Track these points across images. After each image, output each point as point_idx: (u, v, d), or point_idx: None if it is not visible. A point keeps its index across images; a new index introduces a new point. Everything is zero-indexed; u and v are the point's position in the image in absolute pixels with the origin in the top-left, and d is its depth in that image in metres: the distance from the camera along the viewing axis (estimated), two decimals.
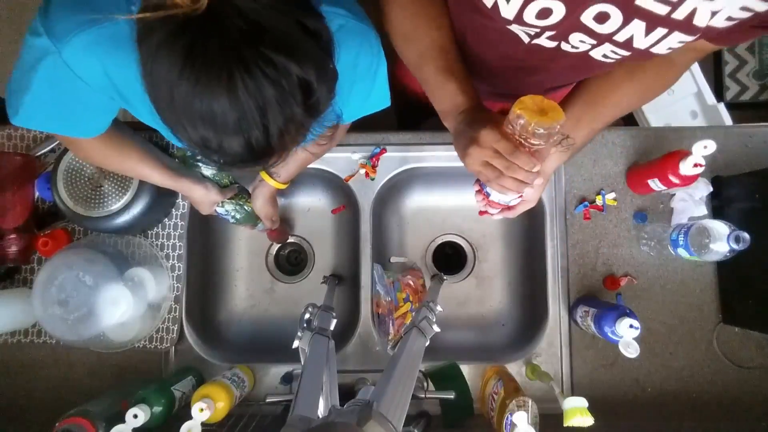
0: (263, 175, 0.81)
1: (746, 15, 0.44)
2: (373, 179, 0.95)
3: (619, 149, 0.93)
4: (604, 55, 0.56)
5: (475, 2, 0.54)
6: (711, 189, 0.88)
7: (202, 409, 0.73)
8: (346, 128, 0.81)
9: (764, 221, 0.80)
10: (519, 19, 0.51)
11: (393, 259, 1.06)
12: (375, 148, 0.95)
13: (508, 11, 0.51)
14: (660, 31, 0.48)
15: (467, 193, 1.05)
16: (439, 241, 1.08)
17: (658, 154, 0.92)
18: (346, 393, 0.85)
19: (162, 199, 0.88)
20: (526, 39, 0.57)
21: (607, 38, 0.52)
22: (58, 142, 0.92)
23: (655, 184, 0.83)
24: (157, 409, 0.77)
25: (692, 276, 0.90)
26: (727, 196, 0.89)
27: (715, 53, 1.84)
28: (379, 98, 0.68)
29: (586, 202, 0.92)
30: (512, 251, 1.06)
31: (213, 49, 0.36)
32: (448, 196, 1.07)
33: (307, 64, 0.40)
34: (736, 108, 1.61)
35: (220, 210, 0.85)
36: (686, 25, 0.47)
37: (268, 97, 0.38)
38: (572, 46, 0.55)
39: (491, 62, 0.71)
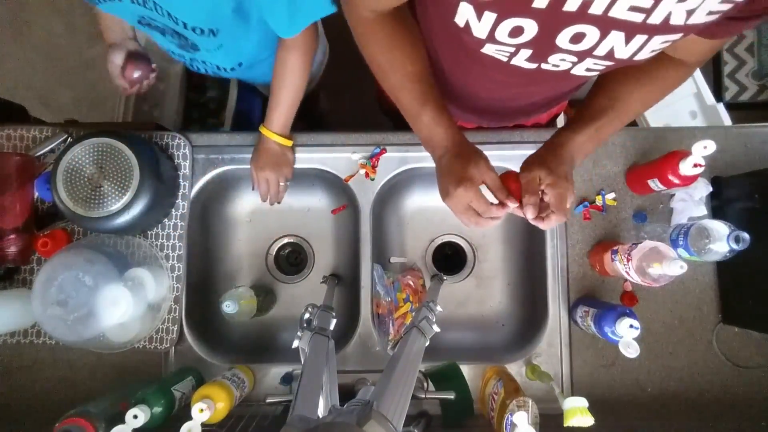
0: (262, 129, 0.89)
1: (727, 6, 0.44)
2: (372, 179, 0.95)
3: (618, 149, 0.93)
4: (587, 69, 0.56)
5: (449, 26, 0.54)
6: (711, 189, 0.88)
7: (202, 410, 0.73)
8: (311, 35, 0.83)
9: (763, 221, 0.80)
10: (491, 38, 0.51)
11: (393, 260, 1.06)
12: (375, 148, 0.95)
13: (480, 30, 0.51)
14: (640, 38, 0.48)
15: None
16: (439, 241, 1.08)
17: (657, 155, 0.92)
18: (347, 393, 0.85)
19: (162, 200, 0.88)
20: (504, 59, 0.57)
21: (588, 54, 0.52)
22: (57, 142, 0.92)
23: (655, 185, 0.83)
24: (157, 409, 0.77)
25: (692, 276, 0.90)
26: (727, 196, 0.89)
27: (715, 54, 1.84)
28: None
29: (586, 202, 0.92)
30: (512, 251, 1.06)
31: None
32: None
33: None
34: (735, 108, 1.61)
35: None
36: (664, 28, 0.47)
37: None
38: (553, 65, 0.56)
39: (471, 89, 0.73)
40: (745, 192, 0.85)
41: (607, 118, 0.65)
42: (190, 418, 0.72)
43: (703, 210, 0.88)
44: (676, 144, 0.93)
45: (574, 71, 0.56)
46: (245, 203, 1.08)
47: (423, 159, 0.95)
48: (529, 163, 0.64)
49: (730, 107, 1.50)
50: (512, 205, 0.60)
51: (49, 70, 2.00)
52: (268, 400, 0.81)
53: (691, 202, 0.87)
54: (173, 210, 0.93)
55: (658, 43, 0.49)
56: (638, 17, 0.45)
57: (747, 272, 0.84)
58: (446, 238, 1.08)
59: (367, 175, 0.95)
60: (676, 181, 0.79)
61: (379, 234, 1.02)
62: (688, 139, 0.93)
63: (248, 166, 0.94)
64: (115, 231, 0.86)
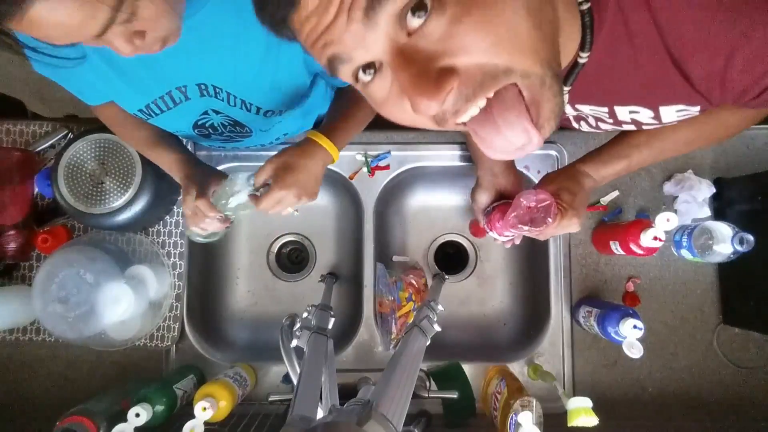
0: (319, 138, 0.70)
1: (684, 114, 0.48)
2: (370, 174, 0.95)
3: None
4: (591, 126, 0.59)
5: None
6: (714, 190, 0.88)
7: (204, 408, 0.72)
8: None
9: (766, 223, 0.80)
10: None
11: (395, 258, 1.06)
12: (382, 154, 0.94)
13: None
14: (625, 120, 0.52)
15: (469, 192, 1.05)
16: (441, 240, 1.08)
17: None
18: (349, 392, 0.85)
19: (164, 197, 0.87)
20: None
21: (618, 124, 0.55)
22: (58, 137, 0.91)
23: (616, 248, 0.83)
24: (159, 407, 0.76)
25: (693, 277, 0.91)
26: (729, 197, 0.89)
27: None
28: None
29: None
30: (514, 251, 1.06)
31: None
32: (450, 195, 1.07)
33: None
34: None
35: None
36: (638, 123, 0.52)
37: None
38: (588, 125, 0.59)
39: None
40: (748, 194, 0.85)
41: (639, 156, 0.64)
42: (191, 416, 0.72)
43: (706, 211, 0.89)
44: None
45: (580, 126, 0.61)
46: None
47: (426, 158, 0.95)
48: (545, 183, 0.66)
49: None
50: None
51: None
52: (270, 399, 0.81)
53: (694, 204, 0.87)
54: (175, 207, 0.93)
55: (647, 119, 0.51)
56: (602, 122, 0.52)
57: (748, 273, 0.84)
58: (448, 237, 1.08)
59: (372, 174, 0.95)
60: (637, 249, 0.78)
61: (381, 233, 1.01)
62: None
63: (251, 163, 0.93)
64: (117, 228, 0.86)
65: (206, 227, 0.71)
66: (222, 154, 0.95)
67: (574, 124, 0.61)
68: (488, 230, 0.76)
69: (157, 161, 0.77)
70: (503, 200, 0.76)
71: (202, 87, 0.65)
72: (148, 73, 0.62)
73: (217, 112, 0.71)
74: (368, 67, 0.36)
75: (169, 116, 0.69)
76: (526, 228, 0.61)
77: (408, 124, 0.41)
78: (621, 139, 0.65)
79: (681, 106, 0.47)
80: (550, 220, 0.58)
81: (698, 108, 0.46)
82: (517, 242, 0.77)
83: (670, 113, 0.48)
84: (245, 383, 0.85)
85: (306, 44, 0.37)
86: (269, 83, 0.67)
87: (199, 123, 0.74)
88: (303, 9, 0.34)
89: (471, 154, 0.74)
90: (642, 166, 0.66)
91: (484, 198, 0.77)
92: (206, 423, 0.72)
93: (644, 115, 0.49)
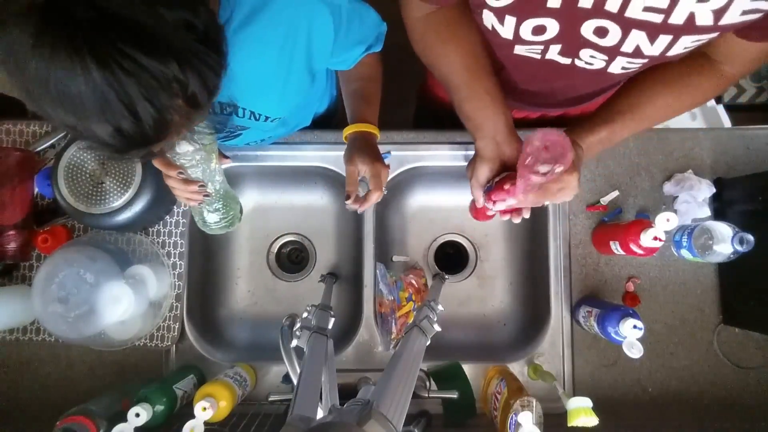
0: (364, 126, 0.74)
1: (765, 5, 0.41)
2: None
3: (621, 150, 0.94)
4: (623, 68, 0.55)
5: (481, 28, 0.57)
6: (714, 190, 0.88)
7: (205, 408, 0.72)
8: (375, 60, 0.80)
9: (766, 223, 0.80)
10: (518, 38, 0.53)
11: (395, 258, 1.06)
12: (383, 154, 0.93)
13: (505, 32, 0.53)
14: (664, 39, 0.46)
15: (469, 192, 1.05)
16: (441, 240, 1.08)
17: (660, 156, 0.93)
18: (349, 392, 0.85)
19: (164, 197, 0.87)
20: (537, 56, 0.58)
21: (616, 51, 0.51)
22: (58, 137, 0.91)
23: (616, 248, 0.83)
24: (159, 407, 0.76)
25: (693, 277, 0.91)
26: (729, 198, 0.89)
27: None
28: (368, 28, 0.73)
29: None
30: (514, 251, 1.06)
31: (61, 37, 0.35)
32: (450, 195, 1.07)
33: (170, 59, 0.39)
34: (733, 110, 1.61)
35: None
36: (691, 28, 0.44)
37: (130, 90, 0.38)
38: (586, 63, 0.56)
39: (516, 79, 0.73)
40: (748, 194, 0.85)
41: (622, 123, 0.63)
42: (191, 416, 0.72)
43: (706, 211, 0.89)
44: (679, 144, 0.93)
45: (611, 70, 0.55)
46: (247, 200, 1.07)
47: (426, 158, 0.95)
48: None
49: (729, 109, 1.50)
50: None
51: None
52: (270, 399, 0.81)
53: (694, 204, 0.87)
54: (175, 207, 0.93)
55: (689, 41, 0.47)
56: (657, 17, 0.43)
57: (748, 273, 0.84)
58: (448, 237, 1.08)
59: None
60: (637, 249, 0.78)
61: (381, 232, 1.01)
62: (691, 140, 0.93)
63: (249, 164, 0.93)
64: (117, 228, 0.85)
65: (189, 197, 0.70)
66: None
67: (561, 60, 0.57)
68: (490, 206, 0.67)
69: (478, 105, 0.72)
70: (506, 172, 0.66)
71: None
72: None
73: (221, 123, 0.72)
74: None
75: None
76: (544, 170, 0.53)
77: None
78: (604, 106, 0.65)
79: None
80: (570, 155, 0.51)
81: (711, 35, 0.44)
82: (517, 220, 0.69)
83: (744, 1, 0.42)
84: (245, 383, 0.85)
85: None
86: (278, 95, 0.68)
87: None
88: None
89: (465, 124, 0.66)
90: (625, 134, 0.64)
91: (485, 171, 0.66)
92: (206, 423, 0.72)
93: (712, 3, 0.42)
